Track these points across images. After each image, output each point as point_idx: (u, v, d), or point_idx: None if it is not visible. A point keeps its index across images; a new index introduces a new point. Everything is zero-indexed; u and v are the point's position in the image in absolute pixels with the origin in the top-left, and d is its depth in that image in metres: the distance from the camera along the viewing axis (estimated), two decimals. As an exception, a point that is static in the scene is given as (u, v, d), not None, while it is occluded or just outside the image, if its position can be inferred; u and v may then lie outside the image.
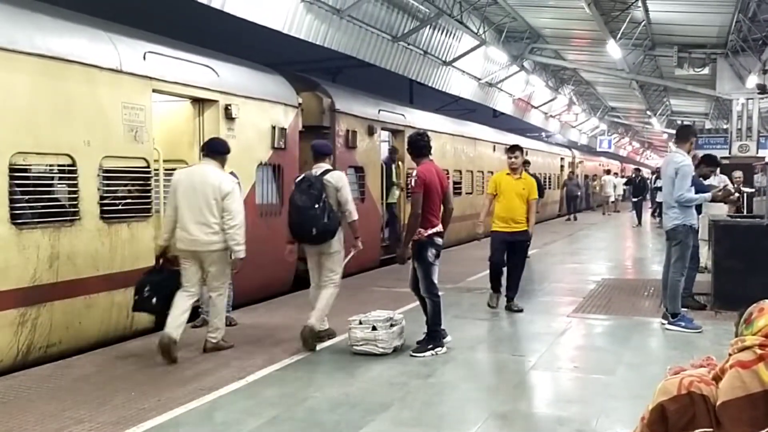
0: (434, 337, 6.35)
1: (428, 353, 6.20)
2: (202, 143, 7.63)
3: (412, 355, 6.17)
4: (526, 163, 12.65)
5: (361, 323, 6.26)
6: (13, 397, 5.08)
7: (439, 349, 6.29)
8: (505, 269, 8.38)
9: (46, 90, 6.21)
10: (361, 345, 6.20)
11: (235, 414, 4.75)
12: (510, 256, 8.25)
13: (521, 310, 8.10)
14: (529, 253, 10.24)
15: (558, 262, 12.86)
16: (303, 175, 6.72)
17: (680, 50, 17.80)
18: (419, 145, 6.65)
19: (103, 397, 5.07)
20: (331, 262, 6.56)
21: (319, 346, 6.48)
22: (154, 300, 6.10)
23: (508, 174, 8.31)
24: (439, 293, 6.45)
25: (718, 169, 11.41)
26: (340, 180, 6.61)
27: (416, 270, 6.45)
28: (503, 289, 8.39)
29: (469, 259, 12.20)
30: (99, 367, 5.88)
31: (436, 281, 6.40)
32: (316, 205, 6.28)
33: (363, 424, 4.52)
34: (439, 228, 6.47)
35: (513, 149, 8.42)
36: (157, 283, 6.11)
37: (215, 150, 6.37)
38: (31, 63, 6.03)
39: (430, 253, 6.34)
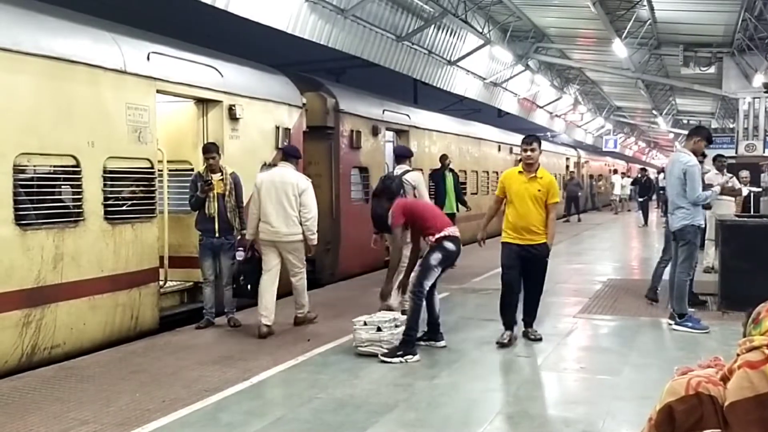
0: (407, 343, 6.08)
1: (396, 360, 5.94)
2: (204, 144, 7.64)
3: (382, 361, 5.93)
4: (444, 158, 11.95)
5: (365, 324, 6.22)
6: (17, 398, 5.08)
7: (410, 356, 6.01)
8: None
9: (50, 91, 6.21)
10: (365, 346, 6.16)
11: (240, 415, 4.74)
12: (526, 276, 6.67)
13: (540, 339, 6.69)
14: None
15: (563, 262, 12.81)
16: (387, 174, 8.19)
17: (686, 49, 17.73)
18: (391, 190, 6.86)
19: (107, 399, 5.06)
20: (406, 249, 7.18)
21: (324, 347, 6.48)
22: (248, 287, 7.26)
23: (520, 172, 6.62)
24: (423, 299, 6.19)
25: (725, 168, 11.37)
26: (416, 179, 8.01)
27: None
28: (516, 322, 6.74)
29: (475, 260, 12.16)
30: (103, 369, 5.87)
31: (427, 286, 6.20)
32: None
33: (368, 425, 4.50)
34: (448, 231, 6.31)
35: (529, 140, 6.61)
36: (249, 272, 7.22)
37: (291, 154, 7.47)
38: (36, 64, 6.04)
39: (434, 257, 6.23)
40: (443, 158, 12.34)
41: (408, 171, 8.00)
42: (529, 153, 6.57)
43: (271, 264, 7.13)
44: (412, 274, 6.47)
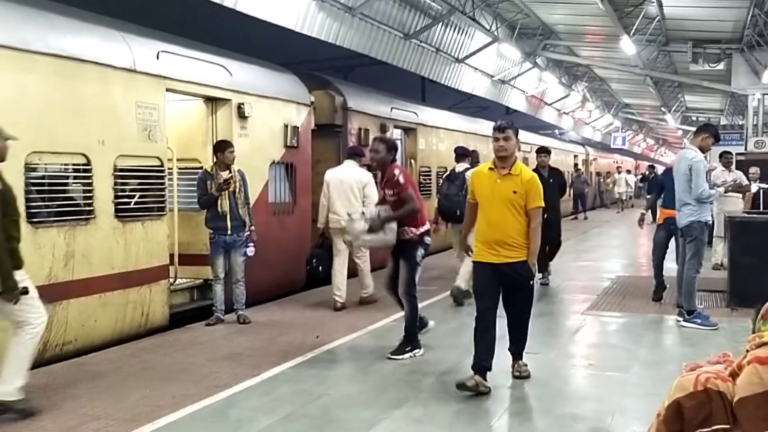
0: (411, 338, 6.16)
1: (406, 355, 6.04)
2: (213, 142, 7.67)
3: (389, 358, 6.00)
4: (474, 154, 10.21)
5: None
6: (29, 395, 5.12)
7: (417, 351, 6.13)
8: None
9: (61, 90, 6.25)
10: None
11: (249, 411, 4.77)
12: (506, 302, 5.35)
13: (528, 376, 5.45)
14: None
15: (572, 259, 12.78)
16: (450, 171, 9.09)
17: (695, 46, 17.61)
18: (396, 148, 6.71)
19: (118, 395, 5.11)
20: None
21: (333, 344, 6.51)
22: (320, 269, 8.66)
23: (491, 169, 5.27)
24: (417, 294, 6.23)
25: (734, 165, 11.33)
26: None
27: (399, 269, 6.19)
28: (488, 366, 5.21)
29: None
30: (114, 365, 5.92)
31: (417, 282, 6.22)
32: (459, 193, 8.26)
33: (377, 422, 4.52)
34: (428, 226, 6.39)
35: (502, 127, 5.24)
36: (321, 257, 8.67)
37: (355, 153, 8.62)
38: (46, 63, 6.08)
39: (420, 253, 6.18)
40: (473, 153, 11.93)
41: (469, 168, 8.67)
42: (501, 143, 5.17)
43: (340, 249, 8.27)
44: (402, 277, 6.16)
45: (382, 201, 6.49)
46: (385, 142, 6.41)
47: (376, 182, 7.95)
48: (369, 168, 8.00)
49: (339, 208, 8.05)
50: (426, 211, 6.68)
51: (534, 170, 9.92)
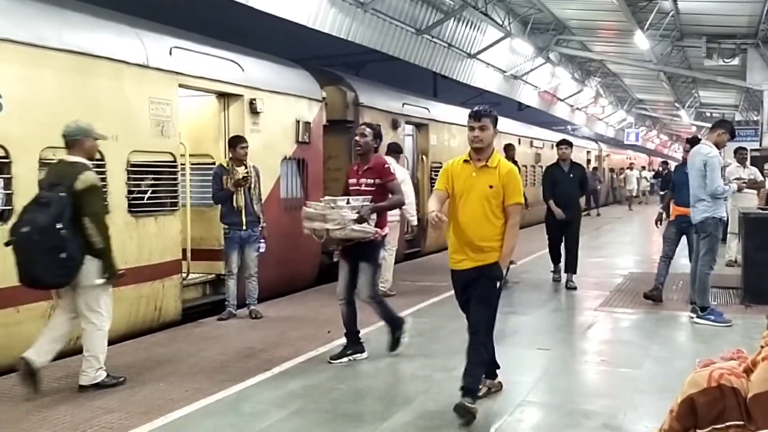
0: (396, 323, 5.98)
1: (401, 344, 5.94)
2: (225, 138, 7.69)
3: (330, 362, 5.75)
4: (509, 149, 10.55)
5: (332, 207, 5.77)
6: (43, 387, 5.17)
7: (402, 335, 5.98)
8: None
9: (75, 86, 6.29)
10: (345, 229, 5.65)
11: (261, 405, 4.79)
12: (464, 305, 4.75)
13: (470, 422, 4.37)
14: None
15: (584, 255, 12.67)
16: None
17: (709, 40, 17.45)
18: (381, 138, 6.22)
19: (131, 388, 5.15)
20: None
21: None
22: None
23: (466, 161, 4.69)
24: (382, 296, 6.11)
25: (749, 161, 11.23)
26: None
27: (357, 273, 5.80)
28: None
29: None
30: (127, 359, 5.96)
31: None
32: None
33: (387, 416, 4.53)
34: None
35: (477, 114, 4.66)
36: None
37: (394, 150, 9.00)
38: (60, 59, 6.12)
39: (381, 255, 6.05)
40: (509, 148, 11.23)
41: None
42: (477, 133, 4.58)
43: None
44: (365, 280, 5.80)
45: (346, 191, 6.06)
46: (373, 128, 6.09)
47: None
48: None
49: None
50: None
51: (553, 164, 9.89)
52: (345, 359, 5.81)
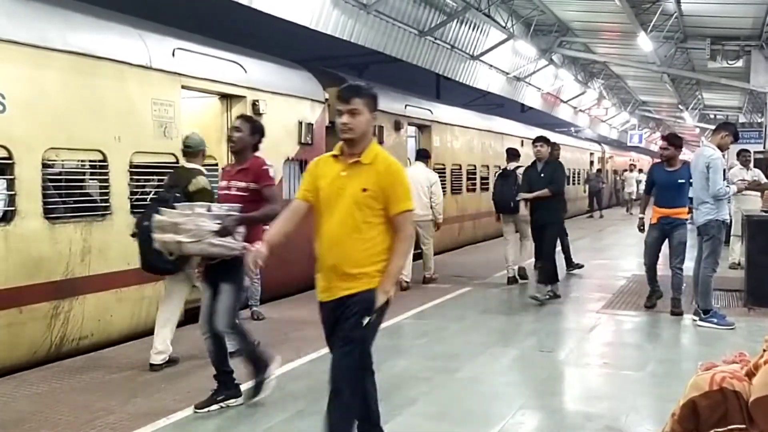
0: (259, 365, 4.83)
1: (215, 406, 4.72)
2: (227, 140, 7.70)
3: (196, 411, 4.67)
4: (555, 148, 9.66)
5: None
6: (46, 388, 5.19)
7: (232, 400, 4.80)
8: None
9: (78, 86, 6.30)
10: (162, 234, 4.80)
11: (263, 407, 4.78)
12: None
13: None
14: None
15: (587, 257, 12.69)
16: (503, 169, 10.46)
17: (713, 42, 17.42)
18: (263, 134, 5.16)
19: (133, 389, 5.15)
20: (524, 226, 9.43)
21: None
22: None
23: (336, 156, 3.53)
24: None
25: (752, 163, 11.22)
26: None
27: (219, 296, 4.72)
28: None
29: (494, 255, 12.13)
30: (130, 360, 5.97)
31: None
32: (513, 188, 9.38)
33: (389, 419, 4.52)
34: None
35: (347, 94, 3.46)
36: None
37: (423, 156, 10.19)
38: (64, 60, 6.13)
39: (246, 279, 4.99)
40: (554, 148, 10.40)
41: (520, 166, 9.67)
42: (345, 119, 3.41)
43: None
44: (223, 307, 4.72)
45: (223, 197, 4.96)
46: (251, 122, 5.12)
47: None
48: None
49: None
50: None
51: (530, 164, 8.90)
52: (215, 407, 4.71)
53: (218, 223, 4.61)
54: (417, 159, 10.12)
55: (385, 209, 3.41)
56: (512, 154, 10.50)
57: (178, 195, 5.42)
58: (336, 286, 3.46)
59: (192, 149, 5.97)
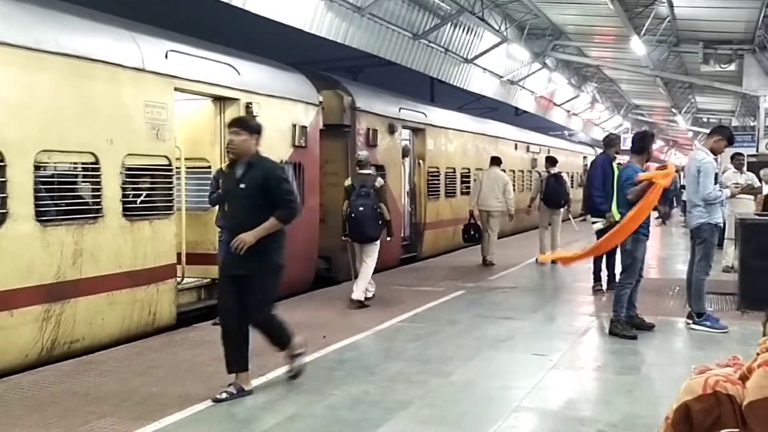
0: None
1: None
2: (221, 142, 7.67)
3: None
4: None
5: None
6: (37, 392, 5.15)
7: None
8: None
9: (71, 89, 6.27)
10: None
11: (255, 411, 4.77)
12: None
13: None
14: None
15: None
16: (556, 173, 12.32)
17: (706, 46, 17.49)
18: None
19: (125, 393, 5.12)
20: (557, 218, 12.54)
21: (339, 344, 6.50)
22: (477, 236, 12.27)
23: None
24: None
25: (745, 167, 11.25)
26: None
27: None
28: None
29: (497, 256, 12.13)
30: (121, 363, 5.93)
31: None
32: (562, 187, 12.33)
33: (383, 422, 4.51)
34: None
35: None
36: (476, 228, 12.31)
37: (496, 162, 12.50)
38: (56, 62, 6.10)
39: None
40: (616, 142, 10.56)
41: (560, 171, 11.97)
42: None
43: (485, 224, 12.14)
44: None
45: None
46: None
47: None
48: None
49: (486, 198, 12.02)
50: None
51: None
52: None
53: None
54: (491, 165, 12.42)
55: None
56: (552, 162, 12.51)
57: (371, 191, 8.34)
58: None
59: (364, 162, 8.60)
